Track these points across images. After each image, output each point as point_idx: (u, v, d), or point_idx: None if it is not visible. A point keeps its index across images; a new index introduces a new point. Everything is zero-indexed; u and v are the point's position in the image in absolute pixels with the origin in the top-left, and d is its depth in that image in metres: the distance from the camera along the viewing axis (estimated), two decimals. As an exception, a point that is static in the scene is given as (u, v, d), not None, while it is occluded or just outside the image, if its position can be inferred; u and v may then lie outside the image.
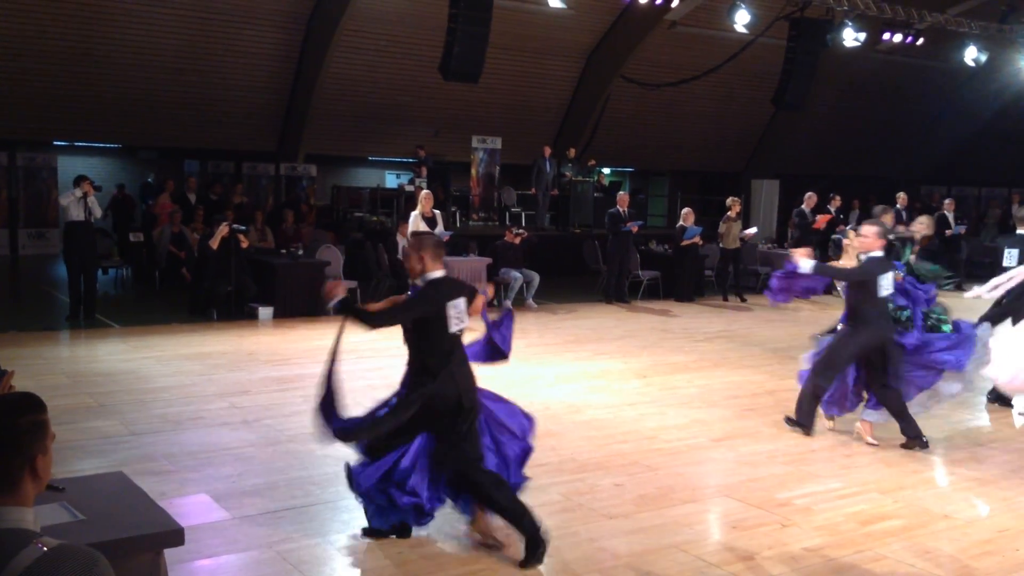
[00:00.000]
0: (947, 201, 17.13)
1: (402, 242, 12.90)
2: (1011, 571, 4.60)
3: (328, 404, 4.57)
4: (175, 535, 3.32)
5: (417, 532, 4.80)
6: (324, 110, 18.25)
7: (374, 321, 4.57)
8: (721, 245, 14.90)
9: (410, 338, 4.64)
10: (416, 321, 4.57)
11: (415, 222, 12.07)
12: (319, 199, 19.49)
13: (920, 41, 17.70)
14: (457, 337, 4.65)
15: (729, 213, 14.77)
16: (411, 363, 4.67)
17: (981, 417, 7.88)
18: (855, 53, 19.18)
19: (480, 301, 4.89)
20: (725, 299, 14.76)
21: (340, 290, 4.57)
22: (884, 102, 23.68)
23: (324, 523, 4.98)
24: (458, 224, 17.68)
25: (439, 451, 4.59)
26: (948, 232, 16.28)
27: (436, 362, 4.55)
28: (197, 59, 16.81)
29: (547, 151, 18.49)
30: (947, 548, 4.85)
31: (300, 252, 12.91)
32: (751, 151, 24.42)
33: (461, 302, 4.62)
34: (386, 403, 4.73)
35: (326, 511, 5.15)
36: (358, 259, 14.49)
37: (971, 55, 18.24)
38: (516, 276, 13.35)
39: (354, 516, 5.09)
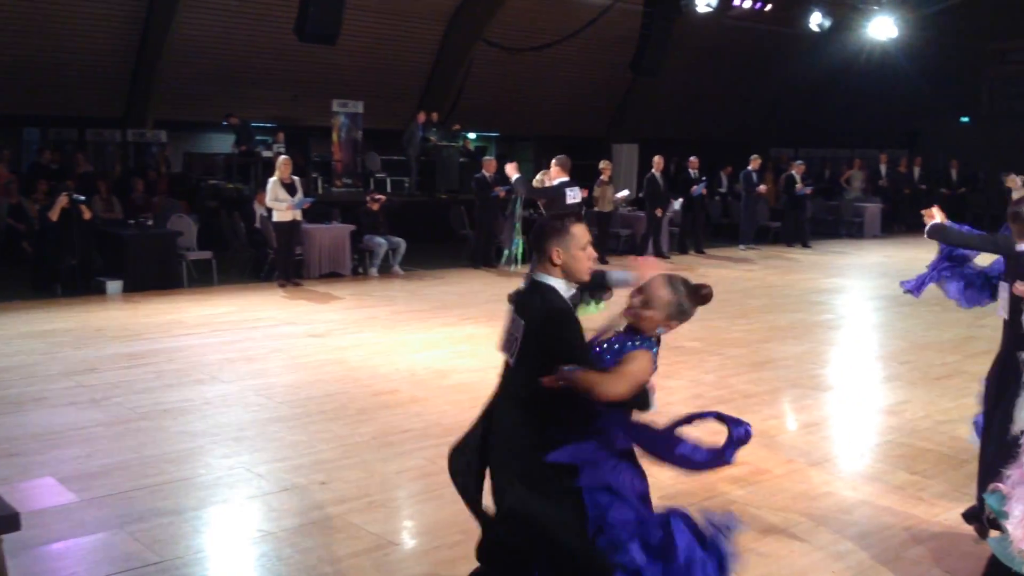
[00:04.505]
0: (798, 163, 17.96)
1: (259, 210, 12.52)
2: (847, 510, 4.92)
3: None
4: (10, 520, 3.16)
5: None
6: (174, 73, 17.41)
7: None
8: (596, 209, 15.09)
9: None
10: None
11: (273, 189, 11.76)
12: (171, 167, 18.66)
13: (769, 7, 18.37)
14: None
15: (602, 177, 15.04)
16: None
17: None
18: (708, 19, 19.72)
19: None
20: (604, 262, 14.99)
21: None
22: (736, 67, 24.49)
23: (178, 500, 4.82)
24: (320, 191, 17.29)
25: None
26: (796, 191, 17.21)
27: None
28: (36, 19, 15.68)
29: (421, 117, 18.33)
30: (790, 491, 5.13)
31: (150, 222, 12.37)
32: (612, 116, 24.85)
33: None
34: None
35: (180, 488, 4.99)
36: (213, 228, 14.00)
37: (816, 20, 19.08)
38: (380, 243, 13.20)
39: (210, 492, 4.97)
